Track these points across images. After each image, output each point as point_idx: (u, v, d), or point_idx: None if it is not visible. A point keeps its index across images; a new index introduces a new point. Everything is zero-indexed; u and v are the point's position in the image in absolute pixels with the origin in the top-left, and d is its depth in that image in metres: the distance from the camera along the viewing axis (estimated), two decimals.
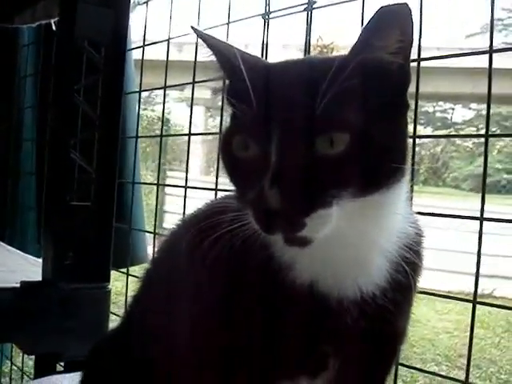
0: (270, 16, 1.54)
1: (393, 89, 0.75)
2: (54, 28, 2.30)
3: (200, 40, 0.83)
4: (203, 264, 0.86)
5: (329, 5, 1.42)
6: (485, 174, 1.20)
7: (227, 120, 0.86)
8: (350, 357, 0.84)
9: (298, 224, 0.68)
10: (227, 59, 0.81)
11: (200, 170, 11.75)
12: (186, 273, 0.91)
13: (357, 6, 1.35)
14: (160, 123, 10.68)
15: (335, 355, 0.83)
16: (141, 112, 2.37)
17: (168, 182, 9.38)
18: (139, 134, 2.21)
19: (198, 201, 1.78)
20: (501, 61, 1.22)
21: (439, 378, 4.12)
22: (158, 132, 10.00)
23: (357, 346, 0.83)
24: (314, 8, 1.43)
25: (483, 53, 1.14)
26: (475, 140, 13.81)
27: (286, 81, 0.75)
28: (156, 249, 1.14)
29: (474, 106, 23.44)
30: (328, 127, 0.69)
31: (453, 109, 24.38)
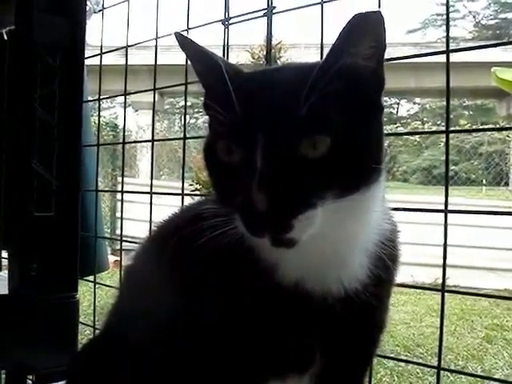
0: (230, 21, 1.55)
1: (368, 92, 0.79)
2: (5, 37, 2.26)
3: (181, 46, 0.84)
4: (190, 269, 0.88)
5: (288, 9, 1.45)
6: (447, 169, 1.25)
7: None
8: (335, 351, 0.87)
9: (286, 226, 0.71)
10: (208, 66, 0.83)
11: (150, 174, 11.64)
12: (172, 278, 0.92)
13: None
14: (107, 129, 10.60)
15: (322, 350, 0.86)
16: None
17: (119, 187, 9.27)
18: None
19: (150, 206, 1.78)
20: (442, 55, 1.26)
21: (400, 368, 4.20)
22: (107, 138, 9.90)
23: (342, 340, 0.86)
24: (274, 13, 1.46)
25: (441, 53, 1.19)
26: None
27: (267, 87, 0.77)
28: (133, 255, 1.14)
29: (418, 100, 23.99)
30: (311, 131, 0.72)
31: (398, 103, 24.88)
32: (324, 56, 0.78)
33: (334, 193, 0.73)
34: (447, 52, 1.18)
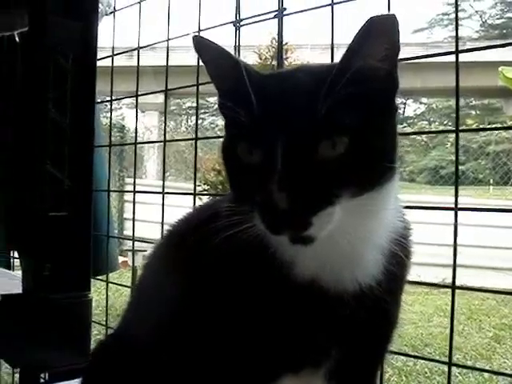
0: (241, 23, 1.57)
1: (383, 93, 0.80)
2: (17, 39, 2.29)
3: (196, 49, 0.86)
4: (208, 267, 0.90)
5: (299, 11, 1.46)
6: (457, 168, 1.26)
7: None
8: (350, 347, 0.89)
9: (305, 223, 0.73)
10: (227, 67, 0.84)
11: (156, 174, 11.68)
12: (190, 276, 0.94)
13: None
14: (114, 130, 10.62)
15: (336, 345, 0.88)
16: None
17: (127, 188, 9.31)
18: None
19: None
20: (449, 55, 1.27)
21: (408, 368, 4.21)
22: (114, 139, 9.91)
23: (356, 336, 0.87)
24: (285, 15, 1.47)
25: (450, 53, 1.20)
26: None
27: (286, 88, 0.79)
28: (149, 254, 1.16)
29: (424, 100, 23.98)
30: (330, 132, 0.74)
31: (405, 103, 24.85)
32: (339, 57, 0.79)
33: (350, 191, 0.75)
34: (456, 52, 1.19)
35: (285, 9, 1.47)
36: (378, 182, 0.78)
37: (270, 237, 0.79)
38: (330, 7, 1.38)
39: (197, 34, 1.64)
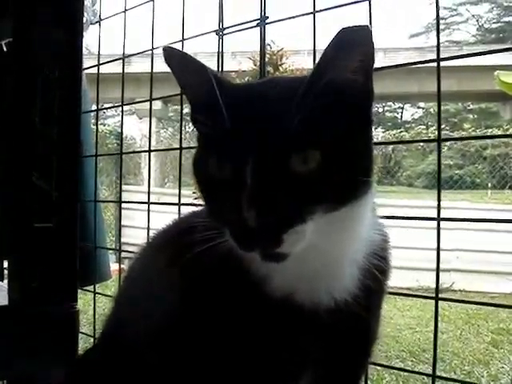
0: (224, 32, 1.56)
1: (357, 105, 0.78)
2: (4, 49, 2.28)
3: (167, 61, 0.84)
4: (181, 283, 0.88)
5: (281, 20, 1.45)
6: (439, 177, 1.25)
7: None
8: (327, 361, 0.87)
9: (275, 241, 0.71)
10: (198, 79, 0.83)
11: (154, 181, 11.66)
12: (163, 292, 0.92)
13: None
14: (112, 137, 10.60)
15: (313, 362, 0.86)
16: (92, 127, 2.37)
17: (123, 195, 9.30)
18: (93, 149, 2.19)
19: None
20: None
21: (406, 374, 4.18)
22: (111, 147, 9.92)
23: (333, 352, 0.86)
24: (267, 23, 1.46)
25: (432, 61, 1.19)
26: (426, 138, 14.06)
27: (257, 101, 0.78)
28: (127, 267, 1.15)
29: (422, 104, 24.04)
30: (301, 146, 0.72)
31: (402, 108, 24.90)
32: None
33: (324, 206, 0.73)
34: (438, 60, 1.18)
35: (267, 17, 1.46)
36: (353, 197, 0.77)
37: (242, 253, 0.77)
38: (312, 15, 1.37)
39: (179, 42, 1.63)
